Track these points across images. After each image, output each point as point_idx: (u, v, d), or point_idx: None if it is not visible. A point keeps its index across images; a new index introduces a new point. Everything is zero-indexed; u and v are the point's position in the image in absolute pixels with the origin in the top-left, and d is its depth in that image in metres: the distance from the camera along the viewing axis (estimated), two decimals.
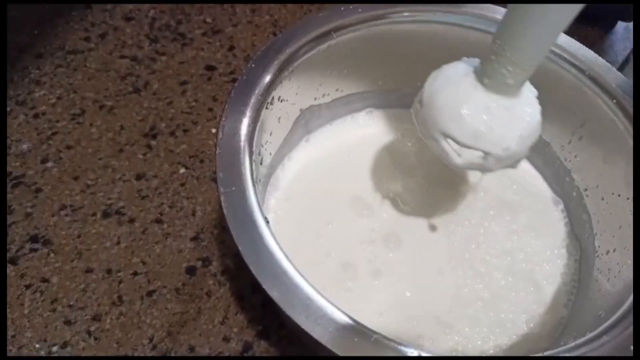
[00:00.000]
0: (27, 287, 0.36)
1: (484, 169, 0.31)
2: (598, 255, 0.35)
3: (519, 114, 0.30)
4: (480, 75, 0.29)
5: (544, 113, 0.40)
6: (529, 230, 0.38)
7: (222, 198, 0.27)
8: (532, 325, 0.34)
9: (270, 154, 0.37)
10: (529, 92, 0.31)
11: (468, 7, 0.37)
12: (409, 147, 0.41)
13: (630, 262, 0.31)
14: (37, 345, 0.33)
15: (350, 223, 0.37)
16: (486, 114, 0.29)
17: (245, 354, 0.34)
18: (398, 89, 0.42)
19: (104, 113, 0.45)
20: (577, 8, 0.25)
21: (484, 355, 0.33)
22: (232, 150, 0.29)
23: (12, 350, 0.33)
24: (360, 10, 0.37)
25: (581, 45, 0.37)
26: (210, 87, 0.48)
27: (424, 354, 0.24)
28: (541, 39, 0.27)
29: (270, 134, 0.35)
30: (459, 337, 0.33)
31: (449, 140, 0.30)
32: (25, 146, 0.42)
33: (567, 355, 0.25)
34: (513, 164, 0.31)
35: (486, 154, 0.30)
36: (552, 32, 0.27)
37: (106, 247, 0.38)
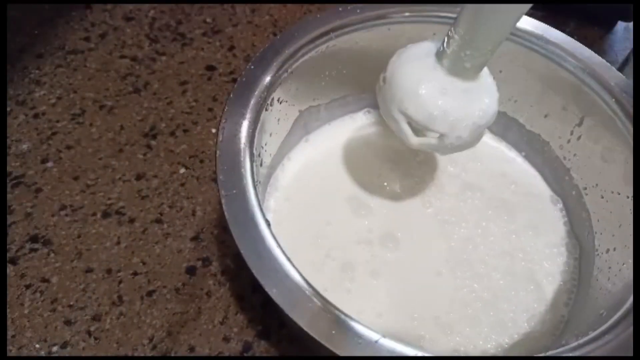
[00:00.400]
0: (27, 287, 0.36)
1: (439, 150, 0.32)
2: (598, 254, 0.35)
3: (475, 100, 0.30)
4: (441, 56, 0.30)
5: (543, 112, 0.40)
6: (527, 230, 0.38)
7: (223, 201, 0.27)
8: (532, 323, 0.34)
9: (270, 154, 0.37)
10: (488, 78, 0.31)
11: None
12: (406, 147, 0.41)
13: (631, 260, 0.31)
14: (37, 345, 0.33)
15: (349, 223, 0.37)
16: (443, 95, 0.29)
17: (245, 354, 0.34)
18: None
19: (104, 113, 0.45)
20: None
21: (485, 355, 0.33)
22: (232, 153, 0.29)
23: (12, 350, 0.33)
24: (358, 10, 0.37)
25: (581, 44, 0.37)
26: (210, 87, 0.48)
27: (425, 354, 0.24)
28: (497, 25, 0.27)
29: (270, 135, 0.35)
30: (459, 337, 0.33)
31: (406, 121, 0.31)
32: (25, 146, 0.42)
33: (570, 355, 0.25)
34: (470, 146, 0.32)
35: (441, 134, 0.30)
36: (508, 17, 0.27)
37: (106, 247, 0.38)
